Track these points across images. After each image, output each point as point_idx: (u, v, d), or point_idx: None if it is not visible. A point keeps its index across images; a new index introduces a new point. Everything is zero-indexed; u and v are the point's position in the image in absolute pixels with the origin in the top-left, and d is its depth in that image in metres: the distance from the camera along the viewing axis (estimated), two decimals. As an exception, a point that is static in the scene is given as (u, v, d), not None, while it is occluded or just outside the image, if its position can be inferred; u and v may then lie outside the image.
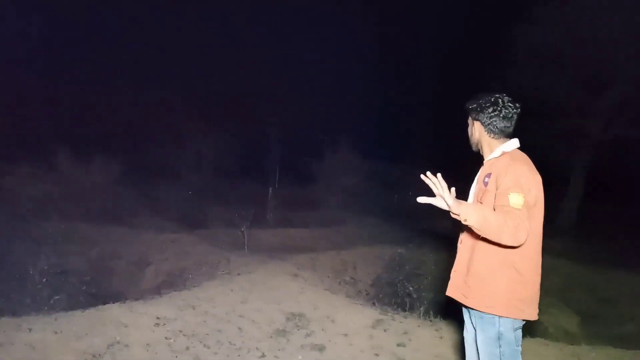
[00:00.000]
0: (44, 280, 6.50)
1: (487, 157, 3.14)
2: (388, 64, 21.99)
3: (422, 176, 2.73)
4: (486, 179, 3.00)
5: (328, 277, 8.43)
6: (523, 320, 2.97)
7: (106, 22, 18.95)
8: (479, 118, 3.13)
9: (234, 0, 22.40)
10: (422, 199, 2.78)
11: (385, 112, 21.01)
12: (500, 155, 3.01)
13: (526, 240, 2.68)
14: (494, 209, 2.79)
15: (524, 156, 3.01)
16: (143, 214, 13.82)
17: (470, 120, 3.25)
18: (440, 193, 2.70)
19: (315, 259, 9.25)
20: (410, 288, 7.53)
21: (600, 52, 14.00)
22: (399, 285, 7.82)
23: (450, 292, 3.21)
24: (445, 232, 8.37)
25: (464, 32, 19.06)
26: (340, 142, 17.17)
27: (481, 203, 2.99)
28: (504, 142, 3.08)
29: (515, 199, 2.69)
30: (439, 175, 2.69)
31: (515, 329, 2.94)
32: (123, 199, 13.80)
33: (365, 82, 22.12)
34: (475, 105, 3.14)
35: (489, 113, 3.07)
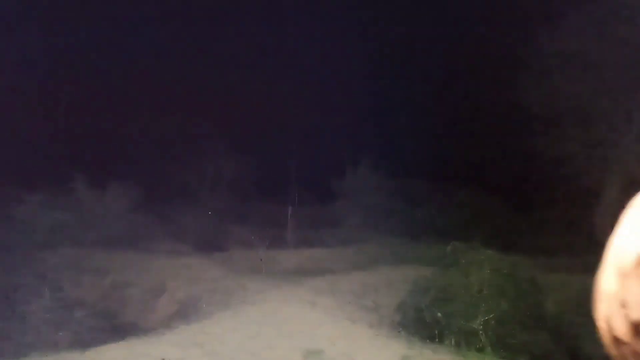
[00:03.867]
0: (47, 316, 6.14)
1: None
2: (411, 78, 21.49)
3: None
4: None
5: (348, 302, 7.90)
6: None
7: (123, 47, 19.05)
8: None
9: (252, 19, 22.34)
10: None
11: (406, 127, 20.46)
12: None
13: None
14: None
15: None
16: (159, 238, 13.55)
17: None
18: None
19: (334, 282, 8.73)
20: (439, 314, 6.93)
21: (636, 56, 13.21)
22: (425, 311, 7.22)
23: None
24: (474, 253, 7.76)
25: (491, 41, 18.37)
26: (361, 159, 16.71)
27: None
28: None
29: None
30: None
31: None
32: (139, 223, 13.54)
33: (386, 99, 21.68)
34: None
35: None
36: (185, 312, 7.69)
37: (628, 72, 13.56)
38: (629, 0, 12.54)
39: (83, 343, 5.95)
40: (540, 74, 14.37)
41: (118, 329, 7.63)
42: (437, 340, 6.25)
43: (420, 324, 7.07)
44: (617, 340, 0.65)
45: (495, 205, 16.25)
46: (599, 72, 13.97)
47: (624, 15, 12.61)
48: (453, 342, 6.00)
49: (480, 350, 5.51)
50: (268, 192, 17.88)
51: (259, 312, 6.34)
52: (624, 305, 0.64)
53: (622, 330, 0.64)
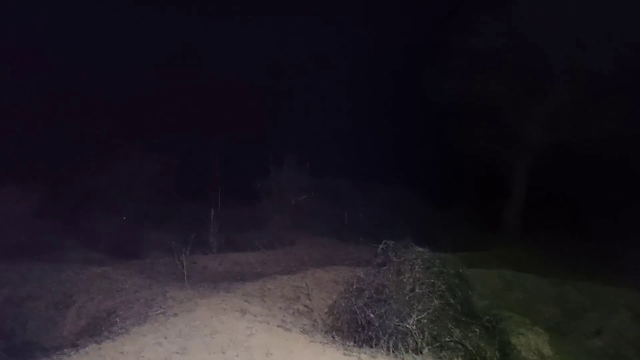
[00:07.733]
0: None
1: None
2: (331, 75, 21.51)
3: None
4: None
5: (280, 308, 7.53)
6: None
7: (26, 42, 17.26)
8: None
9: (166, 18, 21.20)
10: None
11: (332, 123, 20.44)
12: None
13: None
14: None
15: None
16: (67, 246, 12.35)
17: None
18: None
19: (264, 287, 8.33)
20: (372, 315, 6.76)
21: (540, 58, 14.16)
22: (359, 312, 7.03)
23: None
24: (405, 251, 7.70)
25: (402, 40, 18.90)
26: (286, 157, 16.31)
27: None
28: None
29: None
30: None
31: None
32: (43, 230, 12.28)
33: (310, 93, 21.50)
34: None
35: None
36: (96, 329, 6.92)
37: (534, 72, 14.52)
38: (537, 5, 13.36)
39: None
40: (455, 73, 14.93)
41: (16, 349, 6.75)
42: (373, 343, 6.06)
43: (354, 327, 6.87)
44: None
45: (418, 203, 16.64)
46: (509, 72, 14.75)
47: (530, 22, 13.44)
48: (390, 344, 5.82)
49: (418, 351, 5.37)
50: (189, 194, 17.01)
51: (184, 325, 5.79)
52: None
53: None
